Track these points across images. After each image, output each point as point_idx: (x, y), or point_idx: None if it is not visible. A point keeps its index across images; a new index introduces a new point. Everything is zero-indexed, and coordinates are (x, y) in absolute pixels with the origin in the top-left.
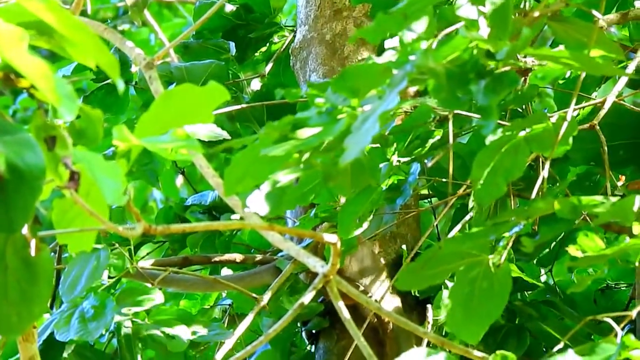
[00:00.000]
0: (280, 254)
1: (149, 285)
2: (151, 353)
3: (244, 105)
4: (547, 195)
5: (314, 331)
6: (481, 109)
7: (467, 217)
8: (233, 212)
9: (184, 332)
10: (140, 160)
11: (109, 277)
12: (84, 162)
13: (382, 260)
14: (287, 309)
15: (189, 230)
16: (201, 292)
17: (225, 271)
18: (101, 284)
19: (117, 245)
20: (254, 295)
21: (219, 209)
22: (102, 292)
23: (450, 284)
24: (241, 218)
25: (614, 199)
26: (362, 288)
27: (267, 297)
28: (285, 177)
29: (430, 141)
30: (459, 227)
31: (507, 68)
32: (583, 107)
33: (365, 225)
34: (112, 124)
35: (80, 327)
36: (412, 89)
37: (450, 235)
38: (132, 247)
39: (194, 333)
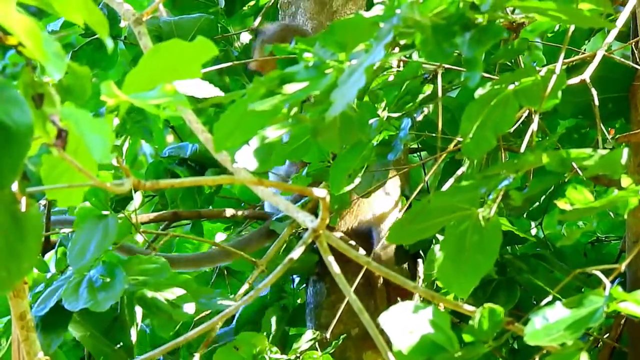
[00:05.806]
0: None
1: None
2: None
3: (234, 63)
4: (537, 148)
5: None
6: (467, 61)
7: (459, 172)
8: (217, 166)
9: (189, 308)
10: (134, 117)
11: None
12: (71, 119)
13: None
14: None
15: (178, 186)
16: (208, 267)
17: (220, 236)
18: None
19: (123, 212)
20: (253, 260)
21: (196, 161)
22: (110, 261)
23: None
24: (228, 172)
25: (603, 152)
26: (352, 242)
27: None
28: (273, 132)
29: (421, 96)
30: (451, 181)
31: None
32: (572, 61)
33: (357, 180)
34: (102, 79)
35: (90, 297)
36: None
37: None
38: (136, 216)
39: (197, 304)
